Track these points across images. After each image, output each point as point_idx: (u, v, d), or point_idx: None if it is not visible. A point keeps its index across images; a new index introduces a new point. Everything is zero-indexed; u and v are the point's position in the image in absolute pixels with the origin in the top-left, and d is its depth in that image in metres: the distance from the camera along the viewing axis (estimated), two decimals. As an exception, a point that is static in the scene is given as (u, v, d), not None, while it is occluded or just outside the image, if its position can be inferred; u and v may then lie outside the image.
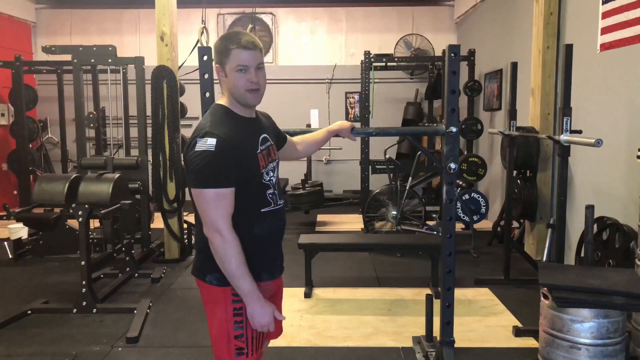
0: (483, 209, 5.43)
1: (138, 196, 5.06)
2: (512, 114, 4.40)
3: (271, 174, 1.82)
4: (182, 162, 1.78)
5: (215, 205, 1.64)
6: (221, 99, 1.82)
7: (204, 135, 1.65)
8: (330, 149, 8.13)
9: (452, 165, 2.59)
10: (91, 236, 4.49)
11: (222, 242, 1.64)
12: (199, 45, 4.79)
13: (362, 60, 6.99)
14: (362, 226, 6.03)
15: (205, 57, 2.52)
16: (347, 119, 8.60)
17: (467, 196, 5.40)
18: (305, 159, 7.54)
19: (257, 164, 1.75)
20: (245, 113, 1.80)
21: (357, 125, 7.16)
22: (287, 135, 2.15)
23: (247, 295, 1.68)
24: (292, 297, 3.99)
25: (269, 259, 1.84)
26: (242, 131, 1.75)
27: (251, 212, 1.75)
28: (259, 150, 1.77)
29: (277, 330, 1.99)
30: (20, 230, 5.38)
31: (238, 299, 1.73)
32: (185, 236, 5.23)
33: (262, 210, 1.77)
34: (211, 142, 1.63)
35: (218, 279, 1.74)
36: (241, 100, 1.76)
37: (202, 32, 4.73)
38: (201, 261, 1.80)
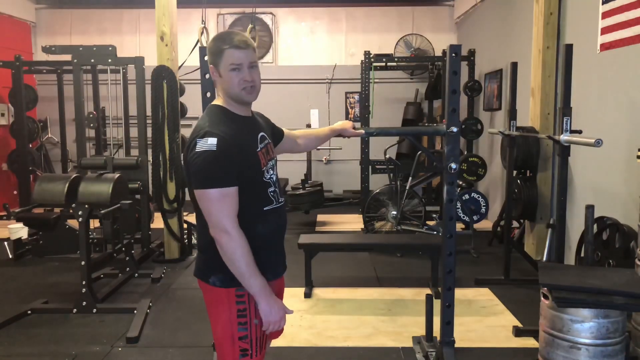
0: (483, 209, 5.43)
1: (138, 196, 5.06)
2: (512, 114, 4.39)
3: (271, 172, 1.82)
4: (183, 164, 1.79)
5: (220, 205, 1.63)
6: (217, 100, 1.83)
7: (203, 135, 1.64)
8: (330, 149, 8.13)
9: (453, 165, 2.59)
10: (91, 236, 4.49)
11: (230, 241, 1.63)
12: (199, 45, 4.78)
13: (362, 60, 6.99)
14: (362, 226, 6.03)
15: (205, 57, 2.52)
16: (347, 119, 8.59)
17: (467, 196, 5.40)
18: (305, 159, 7.54)
19: (258, 162, 1.75)
20: (241, 112, 1.80)
21: (357, 125, 7.16)
22: (285, 129, 2.13)
23: (258, 294, 1.68)
24: (292, 297, 3.99)
25: (273, 257, 1.84)
26: (241, 130, 1.75)
27: (254, 211, 1.74)
28: (258, 149, 1.77)
29: (279, 330, 2.00)
30: (20, 230, 5.38)
31: (242, 300, 1.73)
32: (185, 236, 5.23)
33: (264, 209, 1.77)
34: (212, 141, 1.62)
35: (222, 280, 1.73)
36: (237, 99, 1.76)
37: (202, 32, 4.72)
38: (204, 262, 1.79)
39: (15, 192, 7.54)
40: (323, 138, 2.26)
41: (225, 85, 1.74)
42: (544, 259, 4.59)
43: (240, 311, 1.74)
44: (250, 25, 5.39)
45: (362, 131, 2.42)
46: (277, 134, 2.05)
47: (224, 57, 1.71)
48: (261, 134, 1.83)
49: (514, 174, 4.67)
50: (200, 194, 1.65)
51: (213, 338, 1.83)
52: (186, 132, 5.02)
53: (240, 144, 1.69)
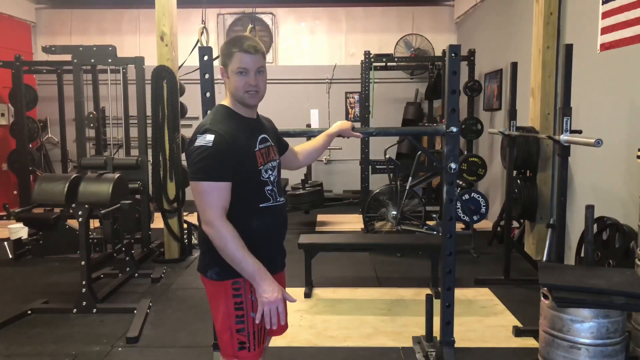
0: (483, 209, 5.43)
1: (138, 196, 5.06)
2: (512, 114, 4.40)
3: (270, 172, 1.87)
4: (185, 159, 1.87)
5: (209, 197, 1.71)
6: (224, 100, 1.90)
7: (204, 132, 1.74)
8: (330, 148, 8.12)
9: (453, 165, 2.59)
10: (91, 236, 4.49)
11: (216, 231, 1.70)
12: (199, 45, 4.78)
13: (362, 60, 6.99)
14: (362, 226, 6.03)
15: (205, 57, 2.52)
16: (347, 119, 8.59)
17: (467, 196, 5.40)
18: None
19: (255, 161, 1.81)
20: (246, 113, 1.88)
21: (357, 125, 7.16)
22: (289, 144, 2.18)
23: (252, 276, 1.72)
24: (292, 297, 3.99)
25: (267, 254, 1.86)
26: (241, 130, 1.82)
27: (250, 207, 1.81)
28: (257, 148, 1.84)
29: (282, 327, 2.03)
30: (20, 230, 5.38)
31: (239, 293, 1.79)
32: (185, 236, 5.23)
33: (260, 205, 1.83)
34: (209, 138, 1.71)
35: (218, 273, 1.81)
36: (240, 101, 1.84)
37: (202, 32, 4.73)
38: (203, 256, 1.87)
39: (15, 192, 7.55)
40: (321, 147, 2.29)
41: (232, 87, 1.82)
42: (544, 259, 4.59)
43: (237, 304, 1.80)
44: (250, 25, 5.40)
45: (361, 135, 2.45)
46: (281, 146, 2.10)
47: (233, 60, 1.79)
48: (262, 135, 1.89)
49: (514, 174, 4.67)
50: (193, 185, 1.74)
51: (215, 331, 1.88)
52: (186, 132, 5.03)
53: (237, 142, 1.76)
